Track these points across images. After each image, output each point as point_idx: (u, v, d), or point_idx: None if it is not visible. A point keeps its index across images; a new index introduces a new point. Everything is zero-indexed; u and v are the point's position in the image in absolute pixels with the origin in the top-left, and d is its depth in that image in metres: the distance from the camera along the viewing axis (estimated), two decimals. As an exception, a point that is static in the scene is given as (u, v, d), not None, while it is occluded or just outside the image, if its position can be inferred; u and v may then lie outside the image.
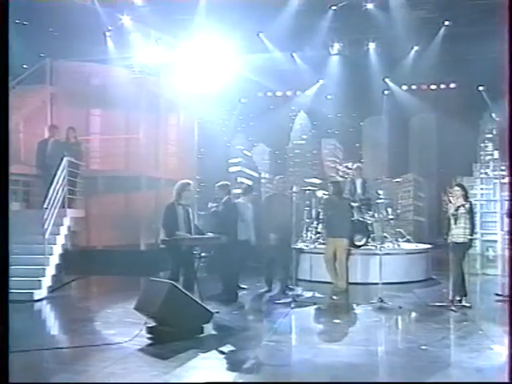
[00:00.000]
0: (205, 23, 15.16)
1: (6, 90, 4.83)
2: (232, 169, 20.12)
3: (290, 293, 9.82)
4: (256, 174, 20.42)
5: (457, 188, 9.03)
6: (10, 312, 8.56)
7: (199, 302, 7.31)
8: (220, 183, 10.38)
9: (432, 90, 20.05)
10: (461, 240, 8.80)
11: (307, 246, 12.31)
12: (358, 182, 12.69)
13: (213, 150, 19.29)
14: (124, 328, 7.43)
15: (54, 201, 11.12)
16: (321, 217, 12.23)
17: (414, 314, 8.75)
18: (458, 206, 8.82)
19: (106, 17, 16.07)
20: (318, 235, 12.43)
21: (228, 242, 8.92)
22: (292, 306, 8.90)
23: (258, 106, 20.18)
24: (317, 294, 10.19)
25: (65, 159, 11.80)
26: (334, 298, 9.86)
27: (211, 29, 15.17)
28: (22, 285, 9.86)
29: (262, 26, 15.98)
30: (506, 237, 11.58)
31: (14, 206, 12.57)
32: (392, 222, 12.50)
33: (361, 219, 11.89)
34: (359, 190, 12.56)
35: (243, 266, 10.64)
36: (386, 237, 12.07)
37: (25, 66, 15.35)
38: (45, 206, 10.96)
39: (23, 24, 15.06)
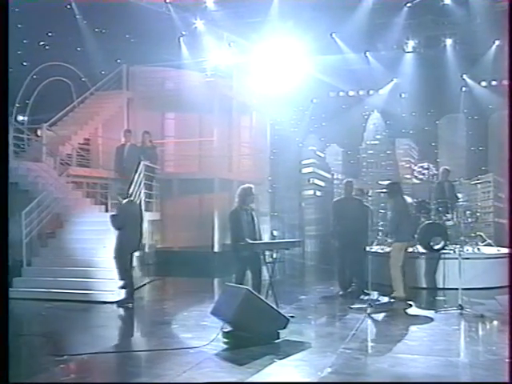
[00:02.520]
0: (277, 25, 15.16)
1: (6, 89, 4.81)
2: (304, 170, 20.05)
3: (366, 298, 9.62)
4: (329, 175, 20.26)
5: None
6: (91, 314, 8.89)
7: (275, 307, 7.27)
8: (118, 190, 10.60)
9: (515, 85, 19.17)
10: None
11: (382, 250, 12.06)
12: (446, 186, 12.37)
13: (285, 151, 19.24)
14: (200, 332, 7.48)
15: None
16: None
17: (496, 323, 8.35)
18: None
19: (180, 22, 16.38)
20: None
21: None
22: (368, 311, 8.69)
23: (330, 106, 19.97)
24: (393, 299, 9.90)
25: (141, 163, 12.09)
26: (410, 303, 9.56)
27: (283, 30, 15.15)
28: (101, 287, 10.19)
29: (335, 27, 15.82)
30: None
31: (93, 209, 12.95)
32: (471, 224, 12.04)
33: (438, 222, 11.52)
34: (447, 194, 12.22)
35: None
36: (465, 240, 11.60)
37: (103, 72, 15.85)
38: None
39: (101, 32, 15.56)
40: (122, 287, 9.82)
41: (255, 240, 8.31)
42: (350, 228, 9.88)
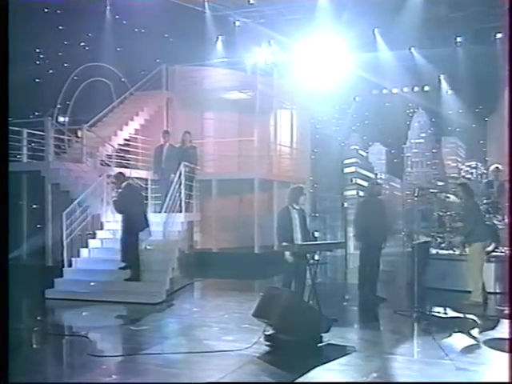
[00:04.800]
0: (318, 22, 14.89)
1: (6, 89, 4.79)
2: (347, 169, 19.70)
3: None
4: (372, 175, 19.86)
5: None
6: (131, 315, 8.79)
7: (317, 310, 7.02)
8: (114, 173, 11.04)
9: None
10: None
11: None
12: (496, 185, 11.86)
13: (326, 150, 18.95)
14: (242, 334, 7.34)
15: (172, 205, 11.34)
16: (443, 220, 11.53)
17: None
18: None
19: (219, 20, 16.27)
20: (440, 240, 11.74)
21: None
22: (414, 316, 8.31)
23: (373, 103, 19.58)
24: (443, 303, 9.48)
25: (182, 164, 11.97)
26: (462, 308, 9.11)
27: (325, 27, 14.86)
28: (142, 288, 10.12)
29: (379, 23, 15.45)
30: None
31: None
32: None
33: (488, 223, 11.01)
34: (497, 193, 11.70)
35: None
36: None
37: (142, 72, 15.85)
38: (163, 210, 11.17)
39: (140, 32, 15.57)
40: (124, 268, 10.19)
41: (305, 241, 8.14)
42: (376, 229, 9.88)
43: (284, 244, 7.96)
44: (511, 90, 5.21)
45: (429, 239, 10.19)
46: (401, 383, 5.56)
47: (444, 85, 18.94)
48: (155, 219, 11.16)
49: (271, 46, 16.89)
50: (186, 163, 12.26)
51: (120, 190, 10.50)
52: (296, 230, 8.16)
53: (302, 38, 15.84)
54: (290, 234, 8.09)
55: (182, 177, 11.86)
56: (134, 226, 10.18)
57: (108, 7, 15.70)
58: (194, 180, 12.93)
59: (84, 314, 9.14)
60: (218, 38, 17.07)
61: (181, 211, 11.81)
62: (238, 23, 16.65)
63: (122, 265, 10.29)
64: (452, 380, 5.58)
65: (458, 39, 16.61)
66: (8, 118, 4.94)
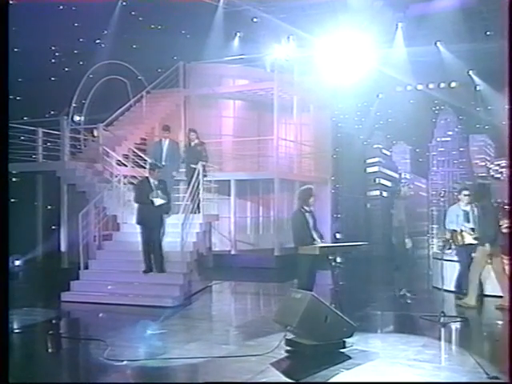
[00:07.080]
0: (340, 17, 14.58)
1: (6, 89, 4.77)
2: (370, 169, 19.35)
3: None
4: (396, 175, 19.47)
5: None
6: (148, 318, 8.52)
7: (340, 314, 6.70)
8: (150, 163, 10.93)
9: None
10: None
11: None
12: None
13: (349, 149, 18.65)
14: (262, 339, 7.10)
15: (189, 205, 11.08)
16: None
17: None
18: None
19: (237, 16, 16.04)
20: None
21: None
22: (441, 320, 7.90)
23: (397, 101, 19.21)
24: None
25: (199, 164, 11.66)
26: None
27: (347, 22, 14.53)
28: (158, 291, 9.86)
29: (403, 17, 15.08)
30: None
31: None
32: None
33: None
34: None
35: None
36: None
37: (159, 70, 15.65)
38: (181, 211, 10.92)
39: (157, 28, 15.38)
40: (145, 271, 10.10)
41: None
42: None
43: (305, 247, 7.64)
44: (511, 89, 4.94)
45: (474, 242, 9.66)
46: (404, 383, 5.39)
47: (472, 81, 18.43)
48: (172, 220, 10.86)
49: (291, 42, 16.59)
50: (202, 162, 11.90)
51: (157, 182, 10.26)
52: (312, 233, 7.86)
53: (323, 34, 15.49)
54: (309, 237, 7.77)
55: (200, 176, 11.53)
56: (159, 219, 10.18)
57: (124, 4, 15.51)
58: (208, 179, 12.54)
59: (100, 315, 8.93)
60: (236, 34, 16.84)
61: (196, 212, 11.47)
62: (256, 19, 16.36)
63: (143, 268, 10.16)
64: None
65: (487, 32, 16.09)
66: (8, 118, 4.83)
